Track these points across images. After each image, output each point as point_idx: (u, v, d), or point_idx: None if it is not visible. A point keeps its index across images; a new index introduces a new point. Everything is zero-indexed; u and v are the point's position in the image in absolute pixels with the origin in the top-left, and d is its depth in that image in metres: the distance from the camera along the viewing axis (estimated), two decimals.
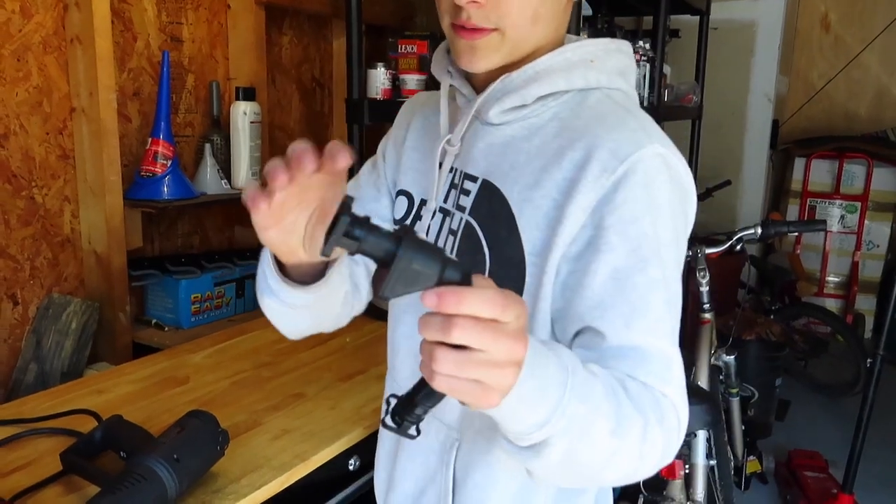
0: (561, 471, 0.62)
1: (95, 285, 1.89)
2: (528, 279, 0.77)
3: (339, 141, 0.58)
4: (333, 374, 1.50)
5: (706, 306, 2.33)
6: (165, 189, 1.90)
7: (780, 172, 4.75)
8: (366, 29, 2.12)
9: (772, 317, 3.30)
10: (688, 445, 2.00)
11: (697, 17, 3.34)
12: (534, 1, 0.75)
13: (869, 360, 2.31)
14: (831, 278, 4.51)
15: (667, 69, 2.79)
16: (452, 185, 0.86)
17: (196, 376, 1.49)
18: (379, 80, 2.09)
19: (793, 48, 4.72)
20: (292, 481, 1.14)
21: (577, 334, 0.73)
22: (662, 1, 2.37)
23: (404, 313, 0.92)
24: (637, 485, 1.96)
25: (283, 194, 0.60)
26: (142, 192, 1.90)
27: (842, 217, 4.45)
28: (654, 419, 0.64)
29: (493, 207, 0.80)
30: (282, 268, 0.76)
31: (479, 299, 0.48)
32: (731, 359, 2.45)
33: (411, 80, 2.08)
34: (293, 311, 0.81)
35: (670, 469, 1.91)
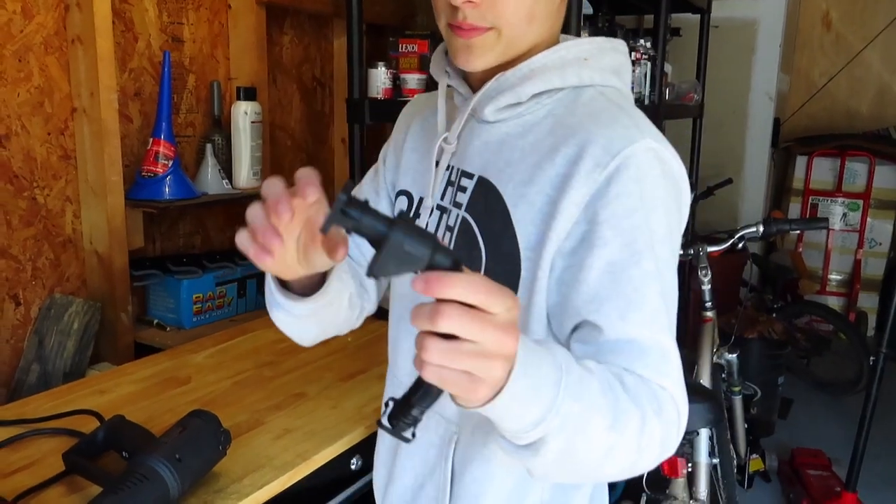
0: (559, 468, 0.62)
1: (97, 285, 1.89)
2: (523, 274, 0.78)
3: (306, 170, 0.60)
4: (335, 374, 1.51)
5: (708, 305, 2.32)
6: (167, 189, 1.90)
7: (781, 171, 4.74)
8: (366, 28, 2.12)
9: (774, 315, 3.29)
10: (691, 444, 1.99)
11: (698, 16, 3.34)
12: (528, 0, 0.76)
13: (871, 358, 2.31)
14: (833, 276, 4.51)
15: (668, 68, 2.79)
16: (449, 183, 0.88)
17: (198, 376, 1.49)
18: (380, 79, 2.09)
19: (794, 46, 4.71)
20: (294, 481, 1.14)
21: (574, 329, 0.74)
22: None
23: (405, 312, 0.93)
24: (640, 483, 1.96)
25: (281, 248, 0.63)
26: (143, 192, 1.90)
27: (844, 215, 4.45)
28: (651, 412, 0.65)
29: (488, 203, 0.82)
30: (285, 283, 0.78)
31: (465, 283, 0.49)
32: (733, 357, 2.44)
33: (412, 79, 2.08)
34: (302, 321, 0.83)
35: (673, 467, 1.91)
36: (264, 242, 0.62)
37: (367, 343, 1.64)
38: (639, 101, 2.39)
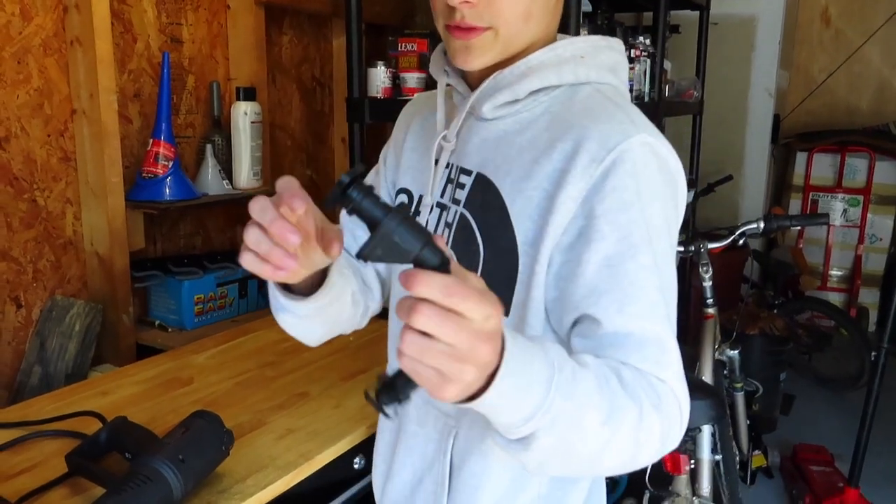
0: (552, 462, 0.63)
1: (98, 287, 1.89)
2: (520, 268, 0.79)
3: (286, 178, 0.62)
4: (337, 374, 1.51)
5: (709, 301, 2.32)
6: (167, 190, 1.90)
7: (781, 167, 4.74)
8: (366, 28, 2.12)
9: (775, 311, 3.29)
10: (693, 441, 1.99)
11: (697, 13, 3.33)
12: None
13: (873, 354, 2.31)
14: (834, 272, 4.50)
15: (667, 65, 2.79)
16: (449, 180, 0.88)
17: (200, 377, 1.49)
18: (379, 78, 2.09)
19: (793, 42, 4.71)
20: (297, 481, 1.14)
21: (574, 324, 0.75)
22: None
23: None
24: (643, 480, 1.96)
25: (296, 265, 0.65)
26: (143, 193, 1.90)
27: (844, 211, 4.44)
28: (649, 406, 0.65)
29: (486, 199, 0.82)
30: (288, 286, 0.79)
31: (441, 286, 0.50)
32: (734, 353, 2.44)
33: (412, 78, 2.08)
34: (308, 322, 0.84)
35: (676, 464, 1.90)
36: (280, 265, 0.63)
37: (369, 342, 1.64)
38: (638, 99, 2.39)
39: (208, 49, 2.18)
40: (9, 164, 1.71)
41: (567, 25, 1.87)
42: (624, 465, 0.67)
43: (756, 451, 2.78)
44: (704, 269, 2.28)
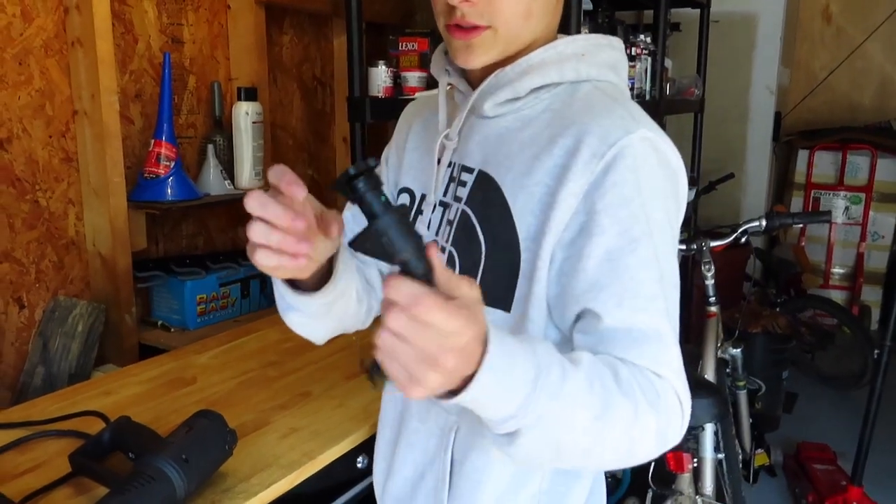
0: (538, 457, 0.65)
1: (101, 287, 1.89)
2: (522, 264, 0.79)
3: (278, 167, 0.63)
4: (340, 373, 1.51)
5: (712, 299, 2.32)
6: (169, 190, 1.90)
7: (783, 164, 4.73)
8: (366, 27, 2.12)
9: (777, 309, 3.29)
10: (696, 439, 1.99)
11: (698, 10, 3.33)
12: None
13: (876, 352, 2.30)
14: (837, 270, 4.50)
15: (668, 63, 2.79)
16: (451, 179, 0.89)
17: (203, 377, 1.49)
18: (380, 77, 2.09)
19: (794, 40, 4.70)
20: (301, 480, 1.14)
21: (576, 319, 0.75)
22: None
23: None
24: (646, 478, 1.96)
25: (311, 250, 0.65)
26: (145, 193, 1.90)
27: (846, 208, 4.43)
28: (645, 403, 0.66)
29: (488, 196, 0.83)
30: (294, 286, 0.79)
31: (410, 296, 0.52)
32: (737, 352, 2.44)
33: (412, 77, 2.08)
34: (317, 319, 0.85)
35: (679, 463, 1.90)
36: (296, 251, 0.63)
37: (372, 343, 1.64)
38: (639, 97, 2.39)
39: (209, 49, 2.18)
40: (11, 165, 1.71)
41: (568, 24, 1.87)
42: (619, 461, 0.68)
43: (759, 450, 2.78)
44: (706, 267, 2.28)
